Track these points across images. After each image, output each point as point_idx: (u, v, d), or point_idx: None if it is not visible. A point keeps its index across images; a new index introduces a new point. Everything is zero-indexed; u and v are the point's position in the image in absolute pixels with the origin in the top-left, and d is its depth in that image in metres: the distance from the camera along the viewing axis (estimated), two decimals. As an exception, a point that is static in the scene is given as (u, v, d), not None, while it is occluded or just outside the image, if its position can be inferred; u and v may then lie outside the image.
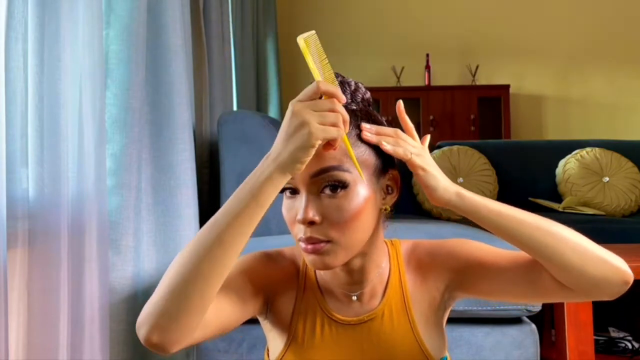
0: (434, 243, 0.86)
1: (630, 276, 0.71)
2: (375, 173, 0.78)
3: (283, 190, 0.75)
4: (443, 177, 0.77)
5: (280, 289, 0.84)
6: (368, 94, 0.84)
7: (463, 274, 0.82)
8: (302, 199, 0.74)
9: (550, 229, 0.73)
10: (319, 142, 0.68)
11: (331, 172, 0.73)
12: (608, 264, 0.71)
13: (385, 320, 0.82)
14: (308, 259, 0.75)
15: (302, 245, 0.74)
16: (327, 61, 0.72)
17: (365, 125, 0.77)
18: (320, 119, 0.68)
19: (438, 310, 0.84)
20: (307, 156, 0.68)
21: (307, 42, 0.70)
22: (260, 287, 0.82)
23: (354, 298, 0.83)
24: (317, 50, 0.71)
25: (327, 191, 0.73)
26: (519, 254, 0.79)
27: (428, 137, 0.83)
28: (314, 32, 0.72)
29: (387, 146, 0.75)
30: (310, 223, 0.73)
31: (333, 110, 0.69)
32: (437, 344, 0.84)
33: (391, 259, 0.85)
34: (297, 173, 0.69)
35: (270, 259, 0.85)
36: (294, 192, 0.75)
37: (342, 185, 0.73)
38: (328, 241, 0.73)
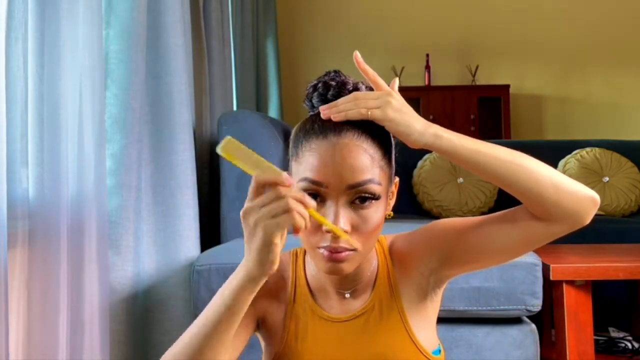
0: (409, 233, 0.88)
1: (597, 197, 0.75)
2: (389, 183, 0.79)
3: None
4: (416, 120, 0.74)
5: (270, 303, 0.86)
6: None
7: (444, 250, 0.82)
8: (332, 208, 0.73)
9: (526, 166, 0.74)
10: (278, 238, 0.65)
11: (368, 185, 0.73)
12: (579, 193, 0.74)
13: (376, 314, 0.84)
14: (324, 266, 0.75)
15: (324, 253, 0.74)
16: (254, 153, 0.68)
17: (322, 109, 0.75)
18: (269, 212, 0.65)
19: (427, 297, 0.85)
20: (273, 255, 0.66)
21: (227, 150, 0.67)
22: (252, 311, 0.82)
23: (347, 296, 0.84)
24: (240, 149, 0.68)
25: (357, 202, 0.74)
26: (490, 215, 0.82)
27: (396, 80, 0.80)
28: (228, 137, 0.68)
29: (338, 117, 0.73)
30: None
31: (279, 198, 0.65)
32: (429, 335, 0.85)
33: (379, 254, 0.87)
34: (269, 274, 0.68)
35: None
36: (315, 197, 0.74)
37: (374, 197, 0.74)
38: (353, 250, 0.74)
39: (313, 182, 0.73)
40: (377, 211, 0.75)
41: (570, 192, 0.74)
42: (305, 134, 0.76)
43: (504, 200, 2.84)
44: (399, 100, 0.75)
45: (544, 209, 0.74)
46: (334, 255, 0.74)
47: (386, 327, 0.83)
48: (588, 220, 0.76)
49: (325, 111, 0.74)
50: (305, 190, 0.74)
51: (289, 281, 0.86)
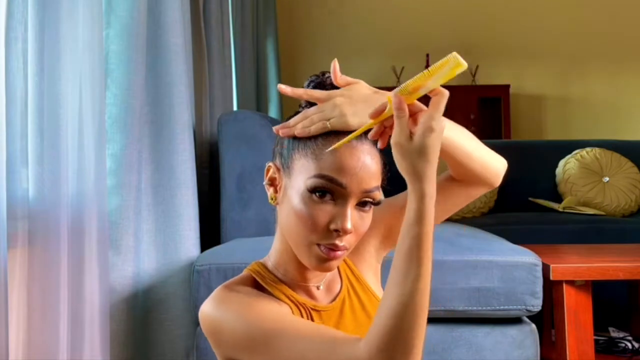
0: None
1: (506, 164, 0.90)
2: None
3: (314, 191, 0.75)
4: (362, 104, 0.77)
5: None
6: None
7: (384, 227, 0.90)
8: (344, 209, 0.75)
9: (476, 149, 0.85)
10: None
11: (376, 192, 0.77)
12: (498, 165, 0.89)
13: (353, 298, 0.86)
14: (316, 262, 0.76)
15: (322, 250, 0.75)
16: None
17: (277, 129, 0.79)
18: None
19: (377, 272, 0.93)
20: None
21: None
22: None
23: (321, 287, 0.85)
24: None
25: (359, 205, 0.77)
26: None
27: (335, 63, 0.79)
28: None
29: (301, 133, 0.76)
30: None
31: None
32: None
33: None
34: None
35: (255, 291, 0.81)
36: (325, 194, 0.75)
37: (376, 203, 0.78)
38: (347, 249, 0.77)
39: (334, 181, 0.74)
40: (370, 216, 0.79)
41: (492, 167, 0.87)
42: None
43: (504, 200, 2.84)
44: (344, 94, 0.77)
45: (470, 178, 0.87)
46: (333, 254, 0.75)
47: (367, 308, 0.86)
48: (499, 183, 0.90)
49: (283, 130, 0.78)
50: (321, 186, 0.74)
51: (264, 284, 0.82)
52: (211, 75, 2.26)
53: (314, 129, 0.75)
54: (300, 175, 0.76)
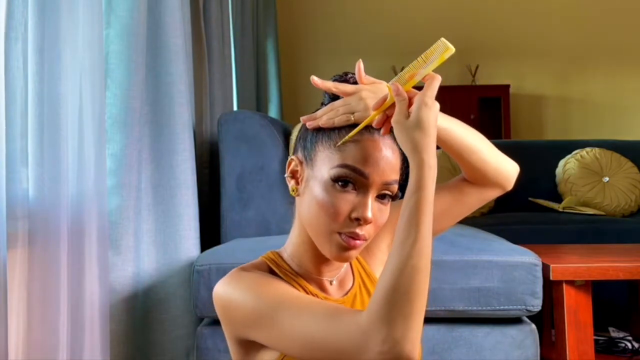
0: None
1: (518, 168, 0.93)
2: None
3: (337, 180, 0.77)
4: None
5: None
6: None
7: (396, 226, 0.88)
8: (365, 198, 0.77)
9: (485, 150, 0.88)
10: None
11: (394, 185, 0.80)
12: (510, 167, 0.91)
13: (364, 295, 0.88)
14: (336, 251, 0.78)
15: (343, 238, 0.77)
16: None
17: (304, 119, 0.83)
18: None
19: None
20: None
21: None
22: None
23: (334, 282, 0.86)
24: None
25: (378, 197, 0.79)
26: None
27: (360, 63, 0.83)
28: None
29: (325, 124, 0.80)
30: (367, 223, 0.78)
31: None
32: None
33: None
34: None
35: (268, 274, 0.83)
36: (347, 184, 0.77)
37: (393, 197, 0.80)
38: (366, 240, 0.79)
39: (357, 170, 0.77)
40: (388, 209, 0.81)
41: (504, 170, 0.90)
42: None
43: (504, 200, 2.84)
44: (369, 89, 0.81)
45: (482, 181, 0.90)
46: (354, 242, 0.77)
47: None
48: (512, 186, 0.92)
49: (310, 121, 0.82)
50: (344, 175, 0.77)
51: (279, 271, 0.84)
52: (211, 75, 2.26)
53: (337, 120, 0.79)
54: (324, 165, 0.79)
